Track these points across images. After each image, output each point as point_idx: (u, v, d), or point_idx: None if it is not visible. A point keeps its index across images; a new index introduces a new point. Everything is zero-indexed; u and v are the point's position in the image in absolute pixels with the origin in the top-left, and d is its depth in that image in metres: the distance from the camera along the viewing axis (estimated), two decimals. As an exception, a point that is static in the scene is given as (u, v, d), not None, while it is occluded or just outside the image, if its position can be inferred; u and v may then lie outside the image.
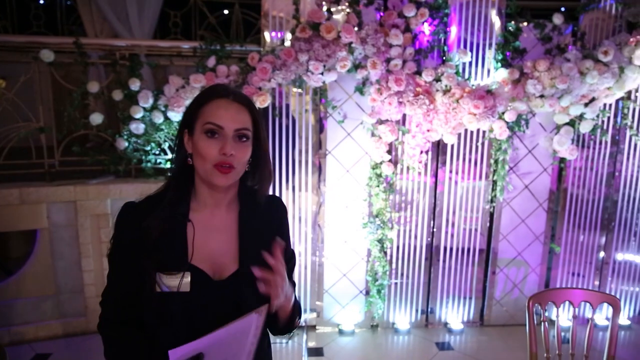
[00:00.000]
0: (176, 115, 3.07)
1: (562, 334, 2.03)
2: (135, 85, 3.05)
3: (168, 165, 3.36)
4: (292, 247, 1.34)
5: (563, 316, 2.07)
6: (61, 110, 3.16)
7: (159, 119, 3.10)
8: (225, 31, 5.89)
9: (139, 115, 3.08)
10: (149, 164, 3.31)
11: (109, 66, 3.37)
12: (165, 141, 3.31)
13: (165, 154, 3.37)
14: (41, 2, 5.79)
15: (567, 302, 2.04)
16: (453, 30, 3.16)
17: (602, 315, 3.57)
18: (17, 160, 3.20)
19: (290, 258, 1.29)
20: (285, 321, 1.21)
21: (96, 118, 3.16)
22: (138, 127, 3.13)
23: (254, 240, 1.21)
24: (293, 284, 1.27)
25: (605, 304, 2.04)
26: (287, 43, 3.01)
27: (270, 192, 1.30)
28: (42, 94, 3.14)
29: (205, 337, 1.04)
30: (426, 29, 3.14)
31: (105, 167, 3.28)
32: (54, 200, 3.15)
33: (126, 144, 3.20)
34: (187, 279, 1.13)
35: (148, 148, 3.26)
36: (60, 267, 3.27)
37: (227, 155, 1.10)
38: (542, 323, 1.99)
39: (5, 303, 3.20)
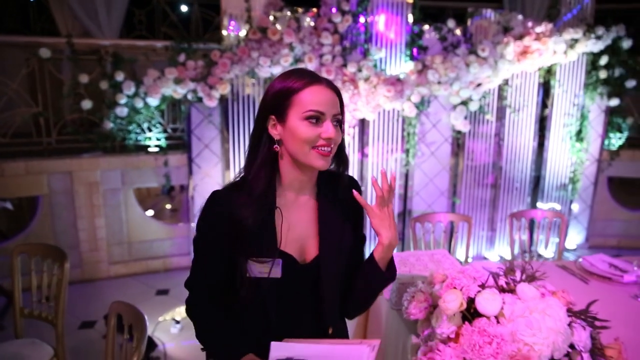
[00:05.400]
0: (154, 101, 3.84)
1: (437, 239, 2.96)
2: (119, 76, 3.78)
3: (147, 142, 4.13)
4: (364, 231, 1.39)
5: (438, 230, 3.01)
6: (57, 97, 3.86)
7: (139, 104, 3.84)
8: (186, 28, 6.58)
9: (123, 101, 3.81)
10: (130, 141, 4.05)
11: (80, 61, 4.02)
12: (144, 122, 4.06)
13: (144, 132, 4.13)
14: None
15: (438, 223, 2.99)
16: (377, 28, 4.07)
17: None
18: (20, 139, 3.89)
19: (362, 240, 1.37)
20: (385, 268, 1.26)
21: (86, 104, 3.87)
22: (122, 111, 3.86)
23: (333, 223, 1.24)
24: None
25: (462, 222, 3.00)
26: (242, 33, 3.82)
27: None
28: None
29: (311, 344, 1.10)
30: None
31: (94, 144, 4.00)
32: (54, 171, 3.85)
33: (112, 124, 3.92)
34: (279, 265, 1.17)
35: (130, 128, 4.00)
36: (58, 226, 3.98)
37: (331, 139, 1.14)
38: (423, 235, 2.93)
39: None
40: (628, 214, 5.13)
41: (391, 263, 1.28)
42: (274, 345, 1.10)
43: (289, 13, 3.86)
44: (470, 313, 1.43)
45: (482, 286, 1.59)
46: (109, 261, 4.18)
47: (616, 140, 4.82)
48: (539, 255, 3.20)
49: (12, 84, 3.79)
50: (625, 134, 4.80)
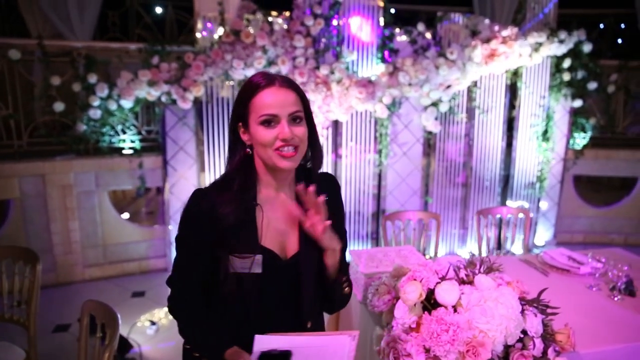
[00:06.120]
0: (127, 103, 3.84)
1: (408, 236, 3.05)
2: (92, 78, 3.77)
3: (121, 144, 4.12)
4: (344, 226, 1.43)
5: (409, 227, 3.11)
6: (27, 99, 3.82)
7: (113, 106, 3.84)
8: (160, 29, 6.56)
9: (96, 103, 3.80)
10: (104, 144, 4.04)
11: (51, 63, 3.98)
12: (118, 124, 4.06)
13: (118, 134, 4.12)
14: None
15: (407, 220, 3.08)
16: (349, 31, 4.14)
17: (433, 226, 4.76)
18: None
19: (342, 236, 1.35)
20: (332, 275, 1.31)
21: (58, 106, 3.84)
22: (95, 113, 3.84)
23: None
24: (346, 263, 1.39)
25: (432, 219, 3.10)
26: (216, 36, 3.85)
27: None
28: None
29: (293, 336, 1.13)
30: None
31: (67, 147, 3.97)
32: (26, 174, 3.81)
33: (85, 127, 3.90)
34: (259, 261, 1.20)
35: (104, 130, 3.99)
36: (31, 230, 3.94)
37: (288, 140, 1.16)
38: (395, 234, 3.02)
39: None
40: (593, 211, 5.34)
41: (342, 263, 1.35)
42: (258, 338, 1.13)
43: (261, 16, 3.91)
44: (430, 304, 1.51)
45: (443, 278, 1.67)
46: (84, 264, 4.16)
47: (580, 139, 5.01)
48: (508, 252, 3.31)
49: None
50: (589, 134, 4.99)
